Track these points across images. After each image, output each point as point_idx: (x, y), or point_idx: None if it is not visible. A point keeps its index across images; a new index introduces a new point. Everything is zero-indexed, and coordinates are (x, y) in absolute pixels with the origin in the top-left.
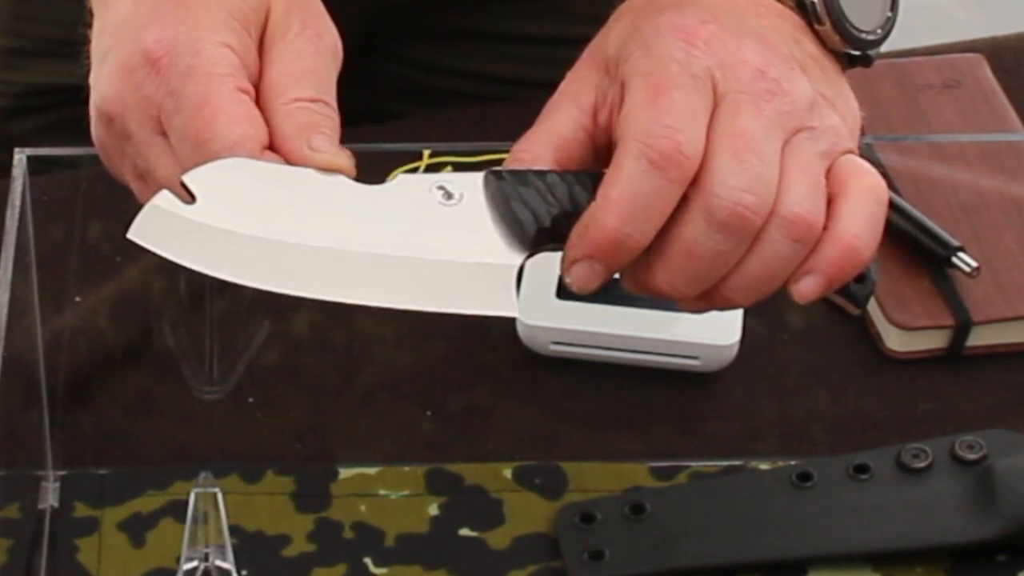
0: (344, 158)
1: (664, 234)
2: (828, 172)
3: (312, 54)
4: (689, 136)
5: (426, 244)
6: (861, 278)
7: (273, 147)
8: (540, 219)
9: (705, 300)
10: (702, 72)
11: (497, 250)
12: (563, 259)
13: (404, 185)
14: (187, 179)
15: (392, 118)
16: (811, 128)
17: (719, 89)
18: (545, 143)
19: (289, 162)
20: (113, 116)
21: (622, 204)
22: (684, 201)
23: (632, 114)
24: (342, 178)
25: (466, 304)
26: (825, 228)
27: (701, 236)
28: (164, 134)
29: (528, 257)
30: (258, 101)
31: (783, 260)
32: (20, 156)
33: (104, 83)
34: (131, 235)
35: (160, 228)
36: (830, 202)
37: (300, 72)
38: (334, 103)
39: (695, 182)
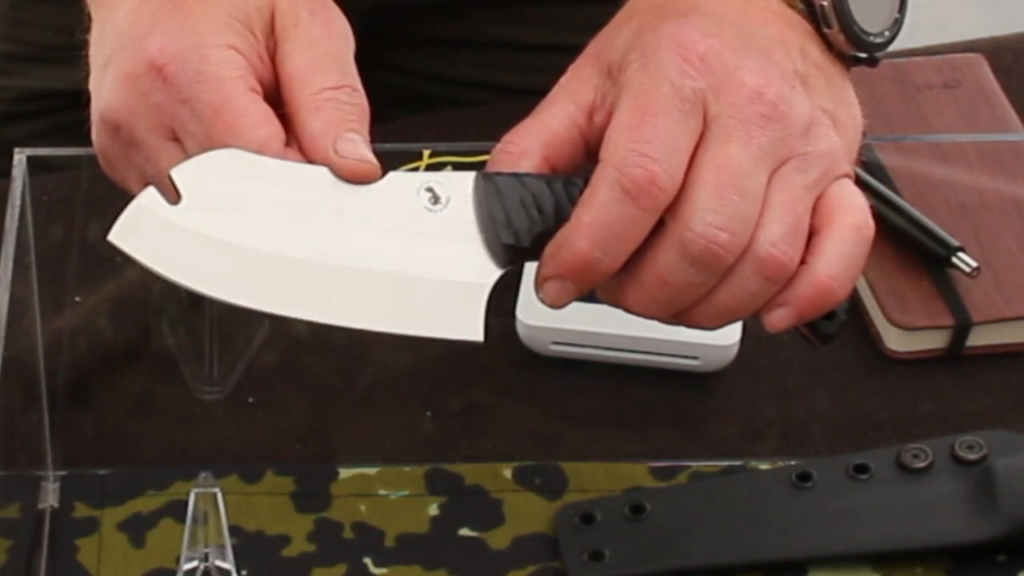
0: (368, 164)
1: (638, 258)
2: (817, 200)
3: (328, 39)
4: (666, 166)
5: (403, 256)
6: (830, 315)
7: (300, 141)
8: (521, 239)
9: (675, 320)
10: (693, 95)
11: (473, 265)
12: (536, 274)
13: (392, 185)
14: (175, 174)
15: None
16: (803, 155)
17: (710, 112)
18: (536, 138)
19: (313, 163)
20: (119, 124)
21: (594, 229)
22: (661, 227)
23: (613, 138)
24: (332, 175)
25: (431, 327)
26: (803, 262)
27: (673, 267)
28: (175, 140)
29: (504, 272)
30: (283, 93)
31: (753, 295)
32: (20, 156)
33: (108, 92)
34: (112, 237)
35: (141, 231)
36: (813, 234)
37: (320, 59)
38: (359, 84)
39: (674, 210)
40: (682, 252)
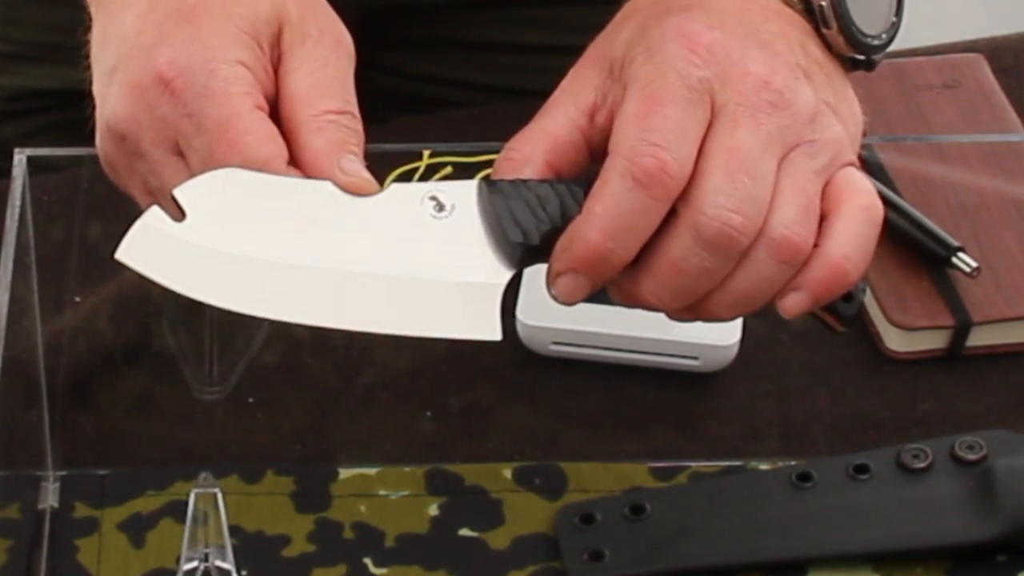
0: (370, 183)
1: (652, 248)
2: (825, 187)
3: (335, 62)
4: (676, 155)
5: (413, 261)
6: (848, 296)
7: (301, 159)
8: (529, 237)
9: (691, 312)
10: (700, 84)
11: (484, 268)
12: (548, 271)
13: (396, 196)
14: (178, 193)
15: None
16: (810, 142)
17: (718, 101)
18: (538, 143)
19: (316, 179)
20: (125, 135)
21: (605, 220)
22: (673, 215)
23: (622, 128)
24: (335, 189)
25: (448, 328)
26: (816, 245)
27: (687, 253)
28: (180, 154)
29: (515, 274)
30: (283, 110)
31: (769, 279)
32: (20, 156)
33: (114, 101)
34: (119, 255)
35: (148, 248)
36: (823, 219)
37: (326, 82)
38: (358, 112)
39: (686, 197)
40: (696, 237)
